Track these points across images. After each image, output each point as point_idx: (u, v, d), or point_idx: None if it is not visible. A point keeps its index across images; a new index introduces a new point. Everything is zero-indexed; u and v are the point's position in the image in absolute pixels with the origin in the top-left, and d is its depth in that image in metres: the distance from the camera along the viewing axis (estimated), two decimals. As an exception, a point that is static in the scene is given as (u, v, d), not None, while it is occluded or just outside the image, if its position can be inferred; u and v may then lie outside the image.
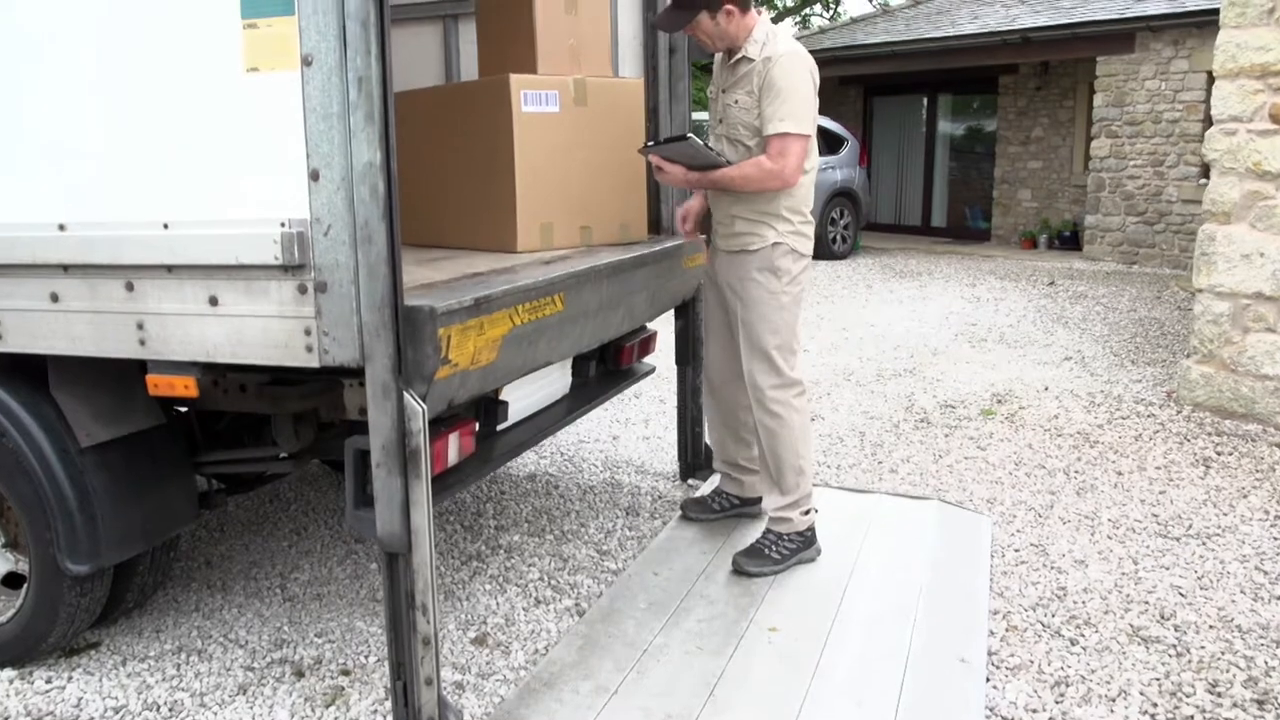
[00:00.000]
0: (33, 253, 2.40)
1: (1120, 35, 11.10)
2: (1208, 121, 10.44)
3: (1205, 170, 9.83)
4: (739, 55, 3.21)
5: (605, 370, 3.77)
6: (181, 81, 2.22)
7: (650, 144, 3.32)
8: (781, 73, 3.09)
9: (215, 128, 2.20)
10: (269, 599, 3.31)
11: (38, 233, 2.39)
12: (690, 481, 4.31)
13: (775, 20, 24.35)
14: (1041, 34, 11.64)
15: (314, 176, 2.10)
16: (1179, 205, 10.97)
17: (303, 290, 2.16)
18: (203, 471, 2.98)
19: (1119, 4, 11.61)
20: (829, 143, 12.28)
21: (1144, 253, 11.32)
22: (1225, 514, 4.01)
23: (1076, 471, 4.52)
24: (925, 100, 15.23)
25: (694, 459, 4.28)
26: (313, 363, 2.19)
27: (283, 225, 2.13)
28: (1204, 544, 3.74)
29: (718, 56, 3.38)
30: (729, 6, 3.14)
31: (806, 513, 3.36)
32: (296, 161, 2.11)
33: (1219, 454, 4.76)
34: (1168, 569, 3.53)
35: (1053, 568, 3.53)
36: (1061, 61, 12.51)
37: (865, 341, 7.44)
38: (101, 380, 2.70)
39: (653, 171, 3.35)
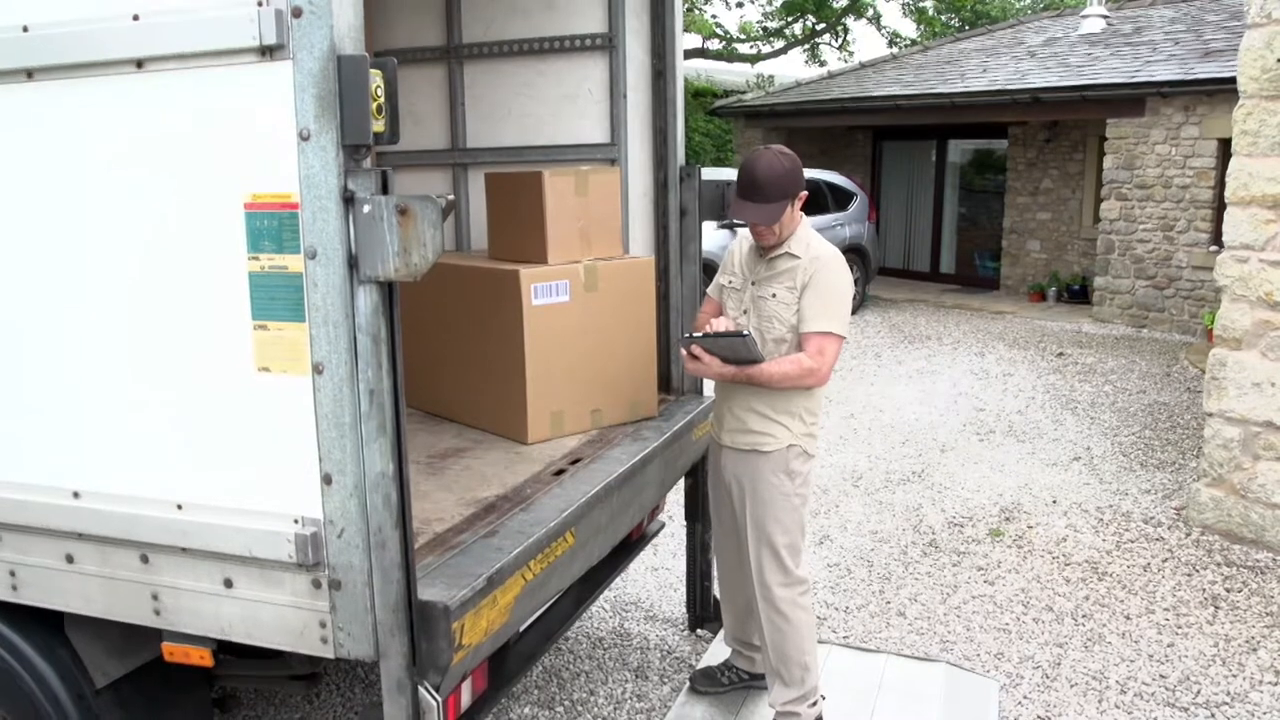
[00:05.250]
0: (46, 519, 2.42)
1: (1130, 99, 11.06)
2: (1219, 188, 10.46)
3: (1216, 238, 9.81)
4: (781, 250, 3.17)
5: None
6: (191, 371, 2.22)
7: (698, 335, 3.15)
8: (830, 273, 3.11)
9: (226, 420, 2.20)
10: (280, 793, 3.33)
11: (52, 499, 2.40)
12: (699, 631, 4.32)
13: (784, 49, 24.37)
14: (1051, 94, 11.60)
15: (327, 480, 2.11)
16: (1189, 271, 10.93)
17: (317, 585, 2.18)
18: (216, 684, 2.99)
19: (1129, 67, 11.57)
20: (838, 199, 12.31)
21: (1153, 317, 11.28)
22: (1234, 674, 4.01)
23: (1084, 615, 4.52)
24: (935, 146, 15.23)
25: (703, 611, 4.29)
26: (328, 654, 2.20)
27: (296, 523, 2.15)
28: (1212, 715, 3.73)
29: (742, 248, 3.35)
30: (802, 192, 3.14)
31: (814, 704, 3.37)
32: (309, 464, 2.12)
33: (1228, 590, 4.75)
34: (1176, 750, 3.54)
35: (1061, 749, 3.54)
36: (1071, 116, 12.51)
37: (874, 433, 7.44)
38: (116, 614, 2.72)
39: (684, 361, 3.21)
